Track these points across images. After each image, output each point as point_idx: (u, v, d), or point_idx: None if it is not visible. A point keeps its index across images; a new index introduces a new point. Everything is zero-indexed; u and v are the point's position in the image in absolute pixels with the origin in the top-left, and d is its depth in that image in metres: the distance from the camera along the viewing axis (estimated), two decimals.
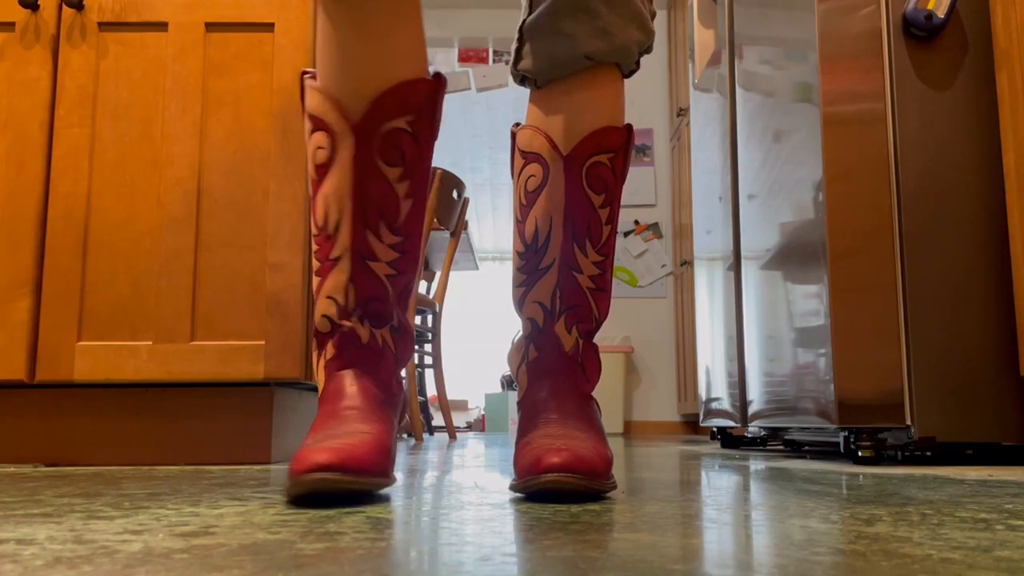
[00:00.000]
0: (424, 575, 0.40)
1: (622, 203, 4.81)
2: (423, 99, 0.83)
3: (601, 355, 3.98)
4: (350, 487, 0.69)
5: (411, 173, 0.83)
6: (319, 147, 0.83)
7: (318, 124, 0.83)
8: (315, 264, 0.85)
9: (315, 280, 0.85)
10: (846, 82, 1.49)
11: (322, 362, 0.84)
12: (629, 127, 0.94)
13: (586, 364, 0.90)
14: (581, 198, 0.90)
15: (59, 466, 1.40)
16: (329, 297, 0.83)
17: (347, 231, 0.82)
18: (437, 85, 0.86)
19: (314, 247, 0.86)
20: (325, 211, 0.83)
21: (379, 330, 0.84)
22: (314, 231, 0.85)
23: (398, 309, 0.87)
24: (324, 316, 0.83)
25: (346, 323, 0.82)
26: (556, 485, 0.72)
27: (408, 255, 0.85)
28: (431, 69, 0.90)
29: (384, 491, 0.87)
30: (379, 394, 0.82)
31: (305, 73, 0.87)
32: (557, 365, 0.88)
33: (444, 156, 5.85)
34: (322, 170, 0.83)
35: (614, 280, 4.65)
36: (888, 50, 1.50)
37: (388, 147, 0.82)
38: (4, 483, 1.00)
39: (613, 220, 0.92)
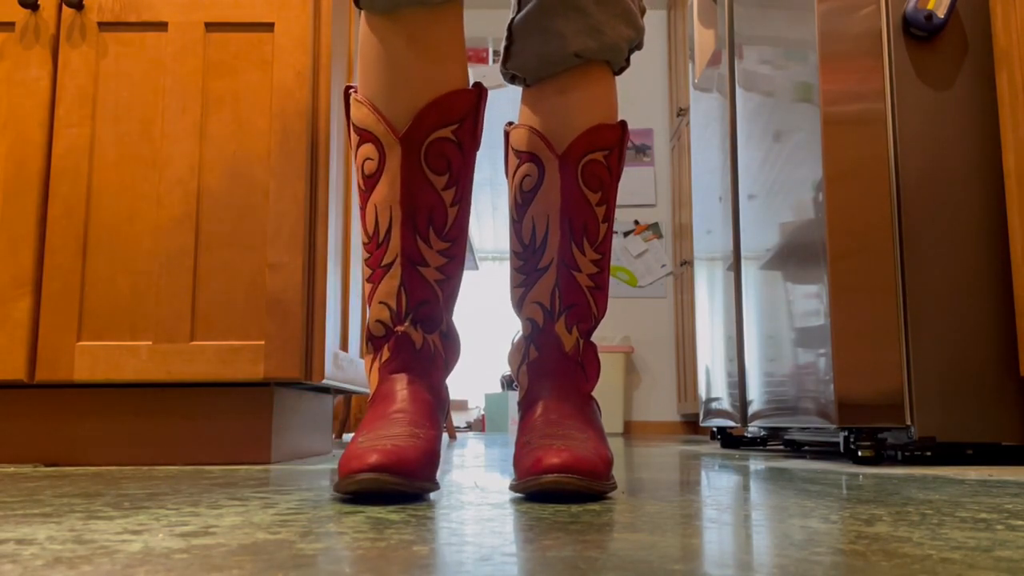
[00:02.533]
0: (424, 575, 0.40)
1: (622, 203, 4.82)
2: (466, 109, 0.87)
3: (601, 355, 3.98)
4: (399, 488, 0.71)
5: (456, 180, 0.87)
6: (368, 158, 0.87)
7: (366, 136, 0.87)
8: (366, 271, 0.89)
9: (366, 287, 0.89)
10: (846, 82, 1.49)
11: (376, 364, 0.87)
12: (623, 124, 0.94)
13: (586, 364, 0.90)
14: (578, 197, 0.90)
15: (59, 466, 1.40)
16: (382, 302, 0.86)
17: (397, 238, 0.85)
18: (479, 94, 0.88)
19: (364, 255, 0.89)
20: (375, 219, 0.86)
21: (431, 335, 0.87)
22: (364, 239, 0.89)
23: (446, 314, 0.89)
24: (378, 321, 0.87)
25: (400, 328, 0.85)
26: (556, 486, 0.72)
27: (455, 260, 0.89)
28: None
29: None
30: (429, 399, 0.84)
31: (350, 88, 0.90)
32: (557, 365, 0.88)
33: None
34: (371, 180, 0.87)
35: (614, 280, 4.66)
36: (888, 50, 1.50)
37: (435, 156, 0.85)
38: (4, 483, 0.99)
39: (610, 218, 0.92)
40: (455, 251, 0.88)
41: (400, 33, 0.85)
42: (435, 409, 0.83)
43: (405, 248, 0.85)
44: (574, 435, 0.80)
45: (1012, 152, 1.42)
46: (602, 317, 0.93)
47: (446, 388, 0.89)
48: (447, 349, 0.89)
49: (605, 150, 0.91)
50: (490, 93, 5.53)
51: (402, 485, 0.71)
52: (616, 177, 0.93)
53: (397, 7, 0.84)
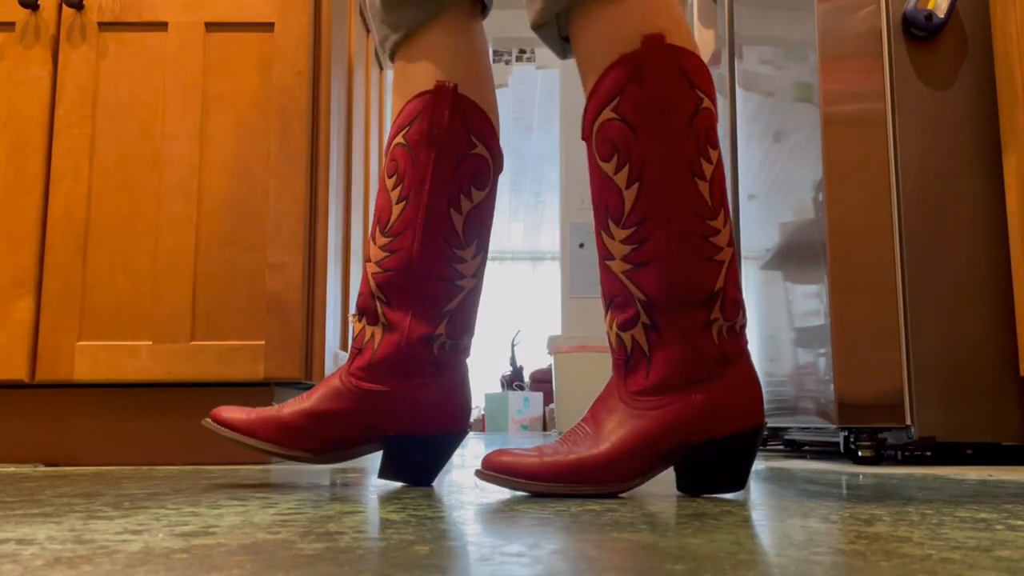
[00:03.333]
0: (424, 575, 0.40)
1: None
2: (413, 112, 0.92)
3: (601, 355, 3.98)
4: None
5: (403, 179, 0.92)
6: None
7: None
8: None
9: None
10: (846, 82, 1.49)
11: None
12: (648, 40, 0.79)
13: (634, 357, 0.81)
14: (595, 176, 0.83)
15: (59, 466, 1.40)
16: None
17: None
18: (431, 97, 0.92)
19: None
20: None
21: (371, 326, 0.94)
22: None
23: (386, 307, 0.93)
24: None
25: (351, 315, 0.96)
26: (479, 476, 0.82)
27: (398, 254, 0.91)
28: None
29: (385, 491, 0.87)
30: (332, 382, 0.94)
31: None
32: (615, 364, 0.85)
33: None
34: None
35: None
36: (888, 50, 1.50)
37: (389, 160, 0.94)
38: (4, 483, 1.00)
39: (639, 179, 0.79)
40: (398, 245, 0.92)
41: (401, 62, 0.96)
42: (328, 390, 0.92)
43: (364, 248, 0.95)
44: (576, 437, 0.81)
45: (1012, 152, 1.42)
46: (664, 289, 0.79)
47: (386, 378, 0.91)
48: (385, 343, 0.92)
49: (613, 99, 0.80)
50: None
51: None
52: (642, 120, 0.79)
53: (395, 49, 0.96)
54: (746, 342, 0.82)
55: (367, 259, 0.95)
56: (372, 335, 0.92)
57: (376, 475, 0.97)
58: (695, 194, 0.79)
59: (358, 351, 0.93)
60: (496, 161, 0.96)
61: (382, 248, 0.92)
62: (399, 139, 0.93)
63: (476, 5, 0.97)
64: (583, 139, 0.85)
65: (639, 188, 0.79)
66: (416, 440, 0.91)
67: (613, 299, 0.82)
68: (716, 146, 0.81)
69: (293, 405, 0.91)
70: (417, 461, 0.92)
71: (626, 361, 0.82)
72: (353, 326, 0.96)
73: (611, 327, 0.83)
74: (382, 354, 0.91)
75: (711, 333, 0.79)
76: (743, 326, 0.82)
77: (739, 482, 0.81)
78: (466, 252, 0.93)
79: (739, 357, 0.80)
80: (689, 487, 0.82)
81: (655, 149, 0.79)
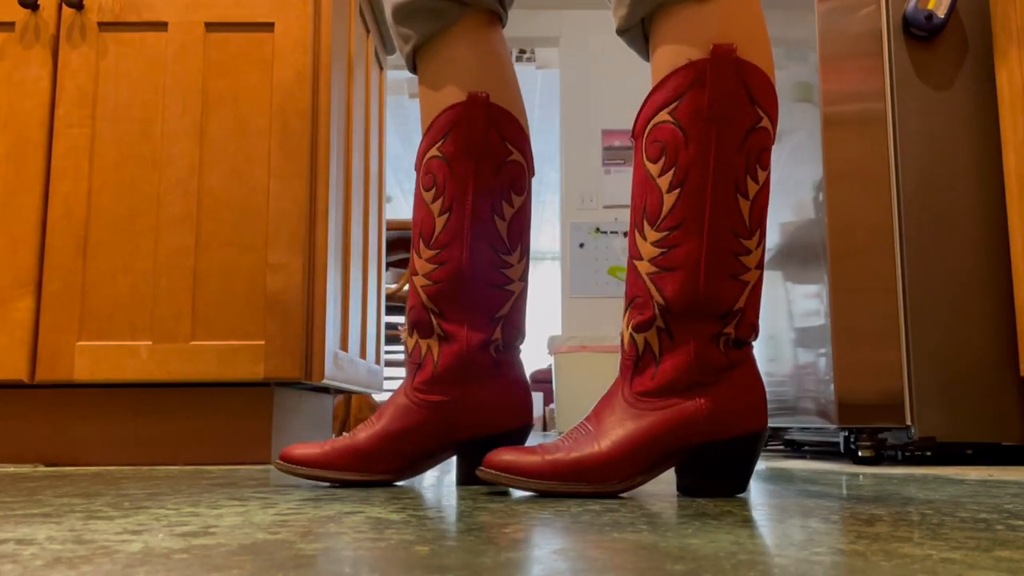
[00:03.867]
0: (424, 575, 0.40)
1: (623, 204, 4.81)
2: (447, 124, 0.94)
3: (602, 355, 3.99)
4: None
5: (443, 191, 0.94)
6: None
7: None
8: None
9: None
10: (846, 82, 1.49)
11: None
12: (718, 48, 0.78)
13: (644, 359, 0.81)
14: (639, 175, 0.83)
15: (59, 466, 1.40)
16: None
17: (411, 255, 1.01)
18: (465, 107, 0.93)
19: None
20: None
21: (424, 339, 0.96)
22: None
23: (441, 320, 0.96)
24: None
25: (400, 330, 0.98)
26: (480, 475, 0.83)
27: (447, 265, 0.93)
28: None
29: (385, 491, 0.87)
30: (398, 400, 0.96)
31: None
32: (623, 364, 0.85)
33: None
34: None
35: (614, 280, 4.64)
36: (888, 50, 1.50)
37: (425, 174, 0.95)
38: (4, 483, 1.00)
39: (681, 185, 0.79)
40: (446, 256, 0.93)
41: (425, 73, 0.98)
42: (396, 408, 0.93)
43: (410, 262, 0.97)
44: (578, 435, 0.81)
45: (1012, 152, 1.42)
46: (686, 297, 0.79)
47: (452, 382, 0.93)
48: (444, 354, 0.93)
49: (671, 103, 0.80)
50: None
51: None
52: (694, 126, 0.79)
53: (413, 59, 0.98)
54: (751, 348, 0.83)
55: (413, 273, 0.96)
56: (429, 348, 0.94)
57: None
58: (735, 210, 0.79)
59: (417, 366, 0.94)
60: (530, 165, 0.98)
61: (429, 260, 0.94)
62: (434, 152, 0.94)
63: (493, 15, 0.98)
64: (632, 136, 0.85)
65: (680, 193, 0.79)
66: (488, 441, 0.93)
67: (634, 299, 0.83)
68: (766, 167, 0.81)
69: (365, 430, 0.92)
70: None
71: (636, 362, 0.82)
72: (406, 342, 0.97)
73: (627, 327, 0.83)
74: (443, 365, 0.93)
75: (719, 343, 0.80)
76: (754, 339, 0.83)
77: (740, 485, 0.81)
78: (512, 257, 0.95)
79: (744, 362, 0.81)
80: (689, 488, 0.82)
81: (703, 158, 0.78)
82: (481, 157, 0.93)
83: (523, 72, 5.62)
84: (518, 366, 0.96)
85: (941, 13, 1.46)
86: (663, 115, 0.80)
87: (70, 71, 1.50)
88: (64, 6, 1.51)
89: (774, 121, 0.81)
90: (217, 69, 1.51)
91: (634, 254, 0.83)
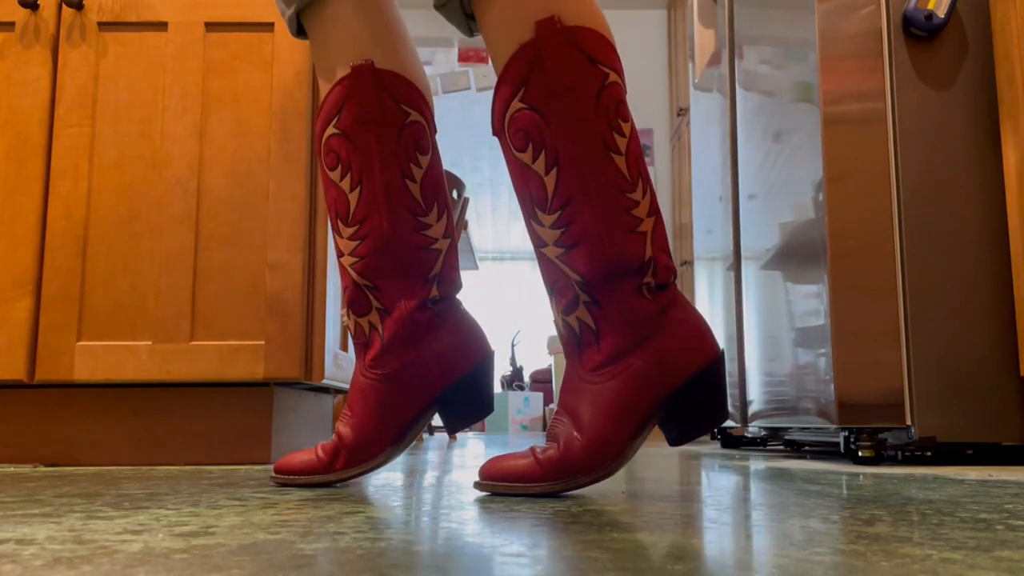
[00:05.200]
0: (424, 575, 0.40)
1: None
2: (338, 100, 0.92)
3: None
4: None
5: (349, 167, 0.92)
6: None
7: None
8: None
9: None
10: (846, 82, 1.49)
11: None
12: (542, 25, 0.79)
13: (583, 336, 0.82)
14: (514, 167, 0.84)
15: (59, 466, 1.40)
16: None
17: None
18: (352, 80, 0.91)
19: None
20: None
21: (362, 318, 0.95)
22: None
23: (373, 292, 0.94)
24: None
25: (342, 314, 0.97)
26: (478, 487, 0.84)
27: (370, 238, 0.92)
28: (426, 69, 0.95)
29: (385, 491, 0.87)
30: (358, 381, 0.95)
31: None
32: (566, 351, 0.86)
33: (444, 156, 5.85)
34: None
35: None
36: (888, 50, 1.50)
37: (327, 153, 0.94)
38: (4, 483, 0.99)
39: (556, 163, 0.80)
40: (366, 229, 0.92)
41: (312, 42, 0.95)
42: (361, 393, 0.92)
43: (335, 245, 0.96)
44: (558, 432, 0.81)
45: (1012, 152, 1.42)
46: (597, 267, 0.80)
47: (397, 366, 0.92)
48: (387, 325, 0.92)
49: (519, 90, 0.80)
50: (491, 92, 5.52)
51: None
52: (548, 107, 0.79)
53: (296, 25, 0.96)
54: (675, 286, 0.83)
55: (339, 254, 0.95)
56: (371, 325, 0.93)
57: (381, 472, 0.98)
58: (613, 169, 0.79)
59: (364, 345, 0.94)
60: (430, 123, 0.97)
61: (351, 238, 0.93)
62: (331, 130, 0.92)
63: None
64: (494, 134, 0.86)
65: (558, 172, 0.80)
66: (457, 386, 0.93)
67: (553, 285, 0.84)
68: (628, 119, 0.82)
69: (344, 424, 0.92)
70: (470, 401, 0.94)
71: (578, 343, 0.83)
72: (347, 324, 0.97)
73: (557, 313, 0.84)
74: (389, 336, 0.92)
75: (643, 292, 0.81)
76: (674, 278, 0.84)
77: (719, 413, 0.81)
78: (430, 217, 0.94)
79: (675, 301, 0.82)
80: (677, 437, 0.82)
81: (567, 132, 0.79)
82: (379, 124, 0.91)
83: None
84: (457, 307, 0.96)
85: (941, 13, 1.46)
86: (515, 104, 0.80)
87: (70, 71, 1.50)
88: (64, 6, 1.51)
89: (620, 73, 0.82)
90: (217, 69, 1.51)
91: (538, 243, 0.84)
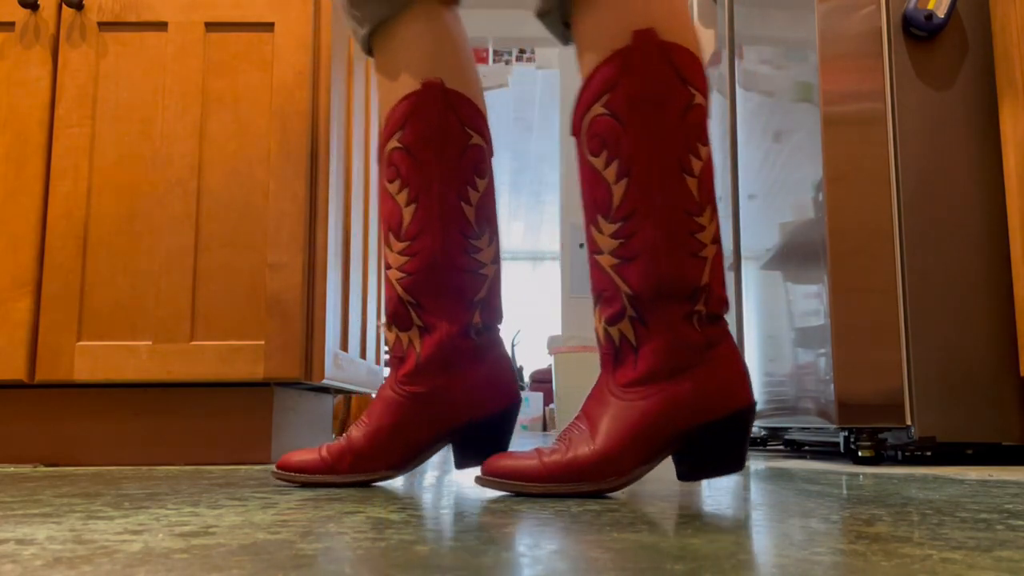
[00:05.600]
0: (424, 575, 0.40)
1: None
2: (403, 114, 0.92)
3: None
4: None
5: (408, 182, 0.92)
6: None
7: None
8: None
9: None
10: (846, 82, 1.49)
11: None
12: (639, 35, 0.78)
13: (622, 351, 0.81)
14: (584, 171, 0.83)
15: (59, 466, 1.40)
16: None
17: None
18: (418, 96, 0.92)
19: None
20: None
21: (404, 332, 0.95)
22: None
23: (420, 311, 0.94)
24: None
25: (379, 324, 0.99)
26: (479, 483, 0.84)
27: (419, 256, 0.92)
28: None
29: (385, 491, 0.87)
30: (385, 395, 0.96)
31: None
32: (602, 360, 0.85)
33: None
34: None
35: None
36: (888, 50, 1.50)
37: (387, 166, 0.94)
38: (4, 483, 0.99)
39: (627, 173, 0.79)
40: (417, 247, 0.92)
41: (380, 59, 0.96)
42: (385, 405, 0.92)
43: (383, 257, 0.97)
44: (572, 436, 0.81)
45: (1012, 152, 1.42)
46: (651, 285, 0.79)
47: (438, 377, 0.92)
48: (426, 344, 0.92)
49: (603, 95, 0.80)
50: (491, 93, 5.52)
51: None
52: (629, 114, 0.79)
53: (368, 43, 0.97)
54: (727, 323, 0.83)
55: (387, 267, 0.95)
56: (410, 340, 0.94)
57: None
58: (683, 190, 0.79)
59: (400, 359, 0.94)
60: (489, 146, 0.98)
61: (401, 253, 0.93)
62: (394, 143, 0.93)
63: None
64: (572, 135, 0.85)
65: (627, 183, 0.79)
66: (480, 423, 0.93)
67: (601, 294, 0.83)
68: (707, 143, 0.81)
69: (358, 430, 0.92)
70: (487, 440, 0.94)
71: (614, 355, 0.82)
72: (386, 336, 0.97)
73: (599, 321, 0.83)
74: (426, 355, 0.92)
75: (692, 322, 0.80)
76: (725, 312, 0.83)
77: (737, 463, 0.80)
78: (482, 241, 0.95)
79: (722, 340, 0.81)
80: (688, 473, 0.81)
81: (644, 144, 0.79)
82: (442, 144, 0.92)
83: (523, 72, 5.62)
84: (499, 345, 0.96)
85: (941, 13, 1.46)
86: (597, 108, 0.80)
87: (70, 71, 1.50)
88: (64, 6, 1.51)
89: (707, 96, 0.82)
90: (217, 69, 1.51)
91: (594, 249, 0.83)
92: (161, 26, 1.52)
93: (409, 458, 0.92)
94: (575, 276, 4.64)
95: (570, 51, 4.81)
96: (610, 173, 0.80)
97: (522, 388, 5.88)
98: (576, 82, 4.77)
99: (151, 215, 1.47)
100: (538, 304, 9.37)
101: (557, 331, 9.15)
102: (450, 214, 0.92)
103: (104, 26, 1.52)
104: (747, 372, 0.81)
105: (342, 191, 1.66)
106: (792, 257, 1.62)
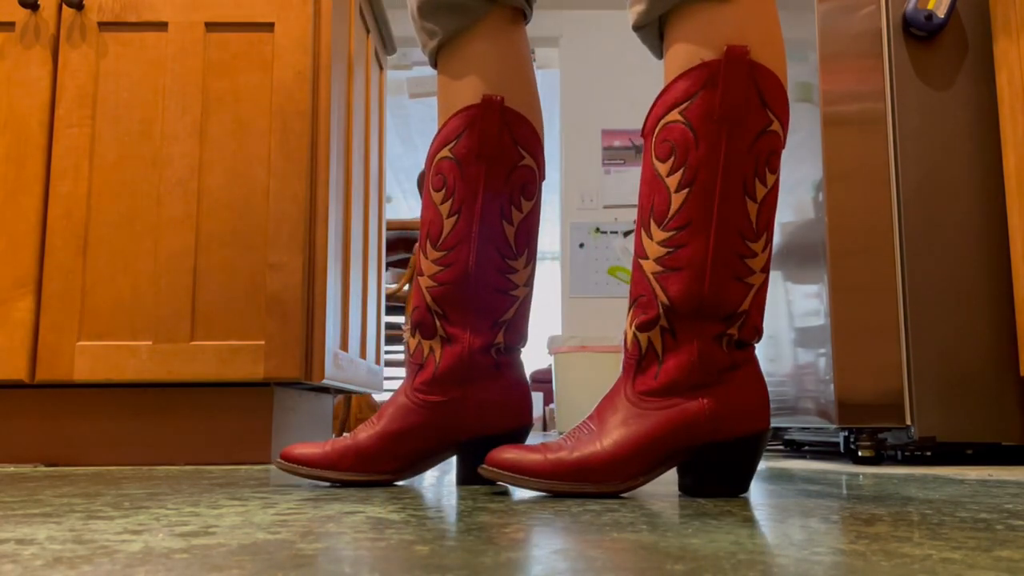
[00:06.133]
0: (424, 575, 0.40)
1: (623, 203, 4.81)
2: (460, 126, 0.93)
3: (603, 355, 3.99)
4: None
5: (452, 192, 0.93)
6: None
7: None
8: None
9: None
10: (846, 82, 1.49)
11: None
12: (732, 50, 0.78)
13: (647, 359, 0.81)
14: (647, 174, 0.83)
15: (59, 466, 1.40)
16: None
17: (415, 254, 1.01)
18: (477, 111, 0.92)
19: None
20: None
21: (426, 340, 0.96)
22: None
23: (443, 321, 0.95)
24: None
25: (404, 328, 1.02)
26: (484, 474, 0.83)
27: (453, 267, 0.93)
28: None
29: (385, 491, 0.87)
30: (399, 400, 0.96)
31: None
32: (624, 364, 0.85)
33: None
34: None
35: (613, 280, 4.64)
36: (888, 50, 1.50)
37: (435, 175, 0.95)
38: (4, 483, 1.00)
39: (690, 184, 0.78)
40: (452, 258, 0.93)
41: (444, 70, 0.97)
42: (397, 409, 0.93)
43: (415, 262, 0.97)
44: (580, 435, 0.81)
45: (1012, 152, 1.42)
46: (690, 298, 0.79)
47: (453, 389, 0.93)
48: (446, 355, 0.93)
49: (683, 103, 0.80)
50: None
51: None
52: (704, 126, 0.78)
53: (435, 56, 0.97)
54: (754, 349, 0.83)
55: (419, 273, 0.95)
56: (431, 349, 0.94)
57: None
58: (742, 212, 0.78)
59: (419, 366, 0.94)
60: (541, 170, 0.98)
61: (436, 262, 0.94)
62: (445, 152, 0.93)
63: (517, 12, 0.97)
64: (643, 135, 0.85)
65: (688, 193, 0.79)
66: (488, 441, 0.93)
67: (638, 298, 0.83)
68: (775, 171, 0.81)
69: (366, 430, 0.92)
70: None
71: (638, 362, 0.82)
72: (408, 341, 0.97)
73: (630, 325, 0.83)
74: (444, 367, 0.93)
75: (722, 343, 0.80)
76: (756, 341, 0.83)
77: (742, 486, 0.81)
78: (518, 262, 0.95)
79: (747, 363, 0.81)
80: (691, 488, 0.82)
81: (713, 160, 0.78)
82: (493, 160, 0.92)
83: None
84: (518, 367, 0.97)
85: (941, 13, 1.46)
86: (674, 115, 0.80)
87: (70, 71, 1.50)
88: (64, 6, 1.51)
89: (785, 125, 0.81)
90: (217, 69, 1.51)
91: (640, 253, 0.82)
92: (161, 26, 1.52)
93: (410, 465, 0.92)
94: (575, 276, 4.65)
95: (570, 51, 4.81)
96: (673, 181, 0.80)
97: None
98: (576, 81, 4.78)
99: (151, 215, 1.47)
100: (538, 304, 9.37)
101: (557, 331, 9.15)
102: (490, 231, 0.92)
103: (104, 26, 1.52)
104: (767, 398, 0.81)
105: (342, 191, 1.66)
106: (792, 257, 1.62)
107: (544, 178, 0.99)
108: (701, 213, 0.78)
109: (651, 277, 0.81)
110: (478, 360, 0.93)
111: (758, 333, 0.82)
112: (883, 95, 1.49)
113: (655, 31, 0.87)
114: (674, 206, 0.79)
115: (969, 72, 1.49)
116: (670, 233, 0.80)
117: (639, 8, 0.85)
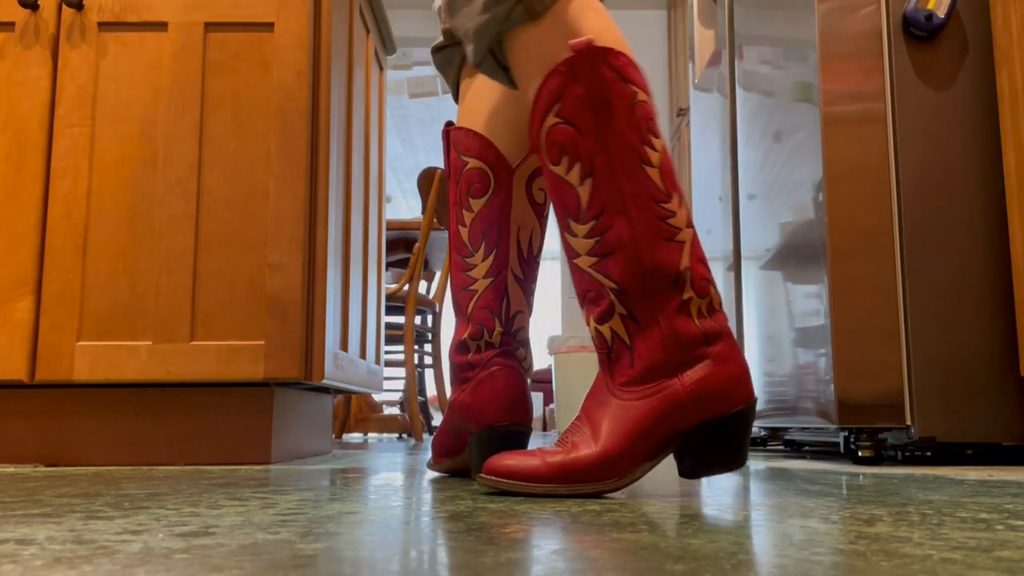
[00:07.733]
0: (423, 575, 0.40)
1: None
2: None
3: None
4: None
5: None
6: (475, 182, 1.01)
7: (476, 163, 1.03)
8: (466, 280, 1.03)
9: (464, 294, 1.04)
10: (846, 82, 1.49)
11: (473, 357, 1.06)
12: (577, 45, 0.81)
13: (615, 349, 0.80)
14: (550, 181, 0.85)
15: (59, 466, 1.40)
16: (486, 308, 1.03)
17: (505, 253, 1.01)
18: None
19: (465, 265, 1.03)
20: (483, 234, 1.03)
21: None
22: (467, 251, 1.03)
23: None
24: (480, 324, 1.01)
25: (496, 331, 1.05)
26: (481, 483, 0.84)
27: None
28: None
29: (385, 491, 0.87)
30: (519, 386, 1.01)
31: (450, 123, 1.07)
32: (599, 360, 0.85)
33: (438, 157, 5.85)
34: (479, 201, 1.02)
35: None
36: (888, 50, 1.50)
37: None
38: (4, 483, 0.99)
39: (590, 173, 0.80)
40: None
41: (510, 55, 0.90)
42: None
43: (511, 263, 1.01)
44: (574, 438, 0.81)
45: (1012, 152, 1.42)
46: (633, 277, 0.79)
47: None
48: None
49: (554, 106, 0.82)
50: None
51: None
52: (581, 117, 0.80)
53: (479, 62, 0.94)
54: (726, 320, 0.83)
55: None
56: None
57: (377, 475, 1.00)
58: (646, 180, 0.81)
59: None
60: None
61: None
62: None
63: None
64: (533, 152, 0.88)
65: (592, 182, 0.81)
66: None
67: (586, 294, 0.84)
68: (659, 136, 0.84)
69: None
70: (484, 456, 0.97)
71: (608, 353, 0.82)
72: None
73: (589, 322, 0.84)
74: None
75: (689, 314, 0.80)
76: (720, 303, 0.83)
77: (738, 460, 0.80)
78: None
79: (721, 336, 0.81)
80: (690, 471, 0.81)
81: (600, 142, 0.81)
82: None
83: None
84: (507, 367, 0.98)
85: (941, 13, 1.46)
86: (551, 118, 0.83)
87: (70, 71, 1.50)
88: (64, 6, 1.51)
89: (648, 94, 0.85)
90: (217, 69, 1.51)
91: (571, 254, 0.84)
92: (161, 26, 1.52)
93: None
94: None
95: None
96: (573, 176, 0.82)
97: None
98: None
99: (151, 215, 1.47)
100: (538, 304, 9.37)
101: (557, 331, 9.16)
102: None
103: (104, 26, 1.52)
104: (747, 369, 0.81)
105: (342, 191, 1.66)
106: (792, 257, 1.62)
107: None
108: (611, 195, 0.81)
109: (590, 271, 0.83)
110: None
111: (710, 283, 0.82)
112: (883, 95, 1.49)
113: (494, 63, 0.90)
114: (584, 198, 0.82)
115: (969, 72, 1.49)
116: (590, 224, 0.82)
117: (468, 48, 0.89)
